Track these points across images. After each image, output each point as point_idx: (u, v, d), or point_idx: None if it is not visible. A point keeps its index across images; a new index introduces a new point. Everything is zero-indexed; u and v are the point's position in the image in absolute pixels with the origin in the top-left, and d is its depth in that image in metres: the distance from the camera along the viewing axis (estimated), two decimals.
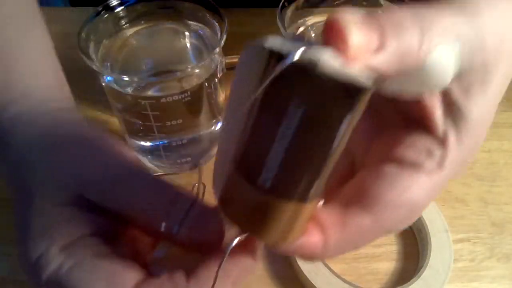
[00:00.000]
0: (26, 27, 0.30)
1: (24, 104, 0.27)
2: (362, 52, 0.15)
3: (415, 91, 0.18)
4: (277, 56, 0.15)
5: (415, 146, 0.20)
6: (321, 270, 0.32)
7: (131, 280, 0.21)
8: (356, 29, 0.15)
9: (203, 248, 0.22)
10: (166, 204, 0.22)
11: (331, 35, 0.15)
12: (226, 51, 0.35)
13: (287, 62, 0.14)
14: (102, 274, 0.21)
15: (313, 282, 0.32)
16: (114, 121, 0.43)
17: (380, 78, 0.16)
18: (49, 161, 0.24)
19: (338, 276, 0.32)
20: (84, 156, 0.24)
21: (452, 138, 0.20)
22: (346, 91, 0.15)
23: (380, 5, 0.40)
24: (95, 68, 0.32)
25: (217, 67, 0.35)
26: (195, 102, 0.34)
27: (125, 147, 0.26)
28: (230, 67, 0.36)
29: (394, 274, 0.35)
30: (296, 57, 0.14)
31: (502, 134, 0.45)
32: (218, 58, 0.35)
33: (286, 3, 0.38)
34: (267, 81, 0.15)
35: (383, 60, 0.16)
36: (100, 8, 0.35)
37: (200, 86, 0.34)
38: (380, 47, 0.16)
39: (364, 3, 0.42)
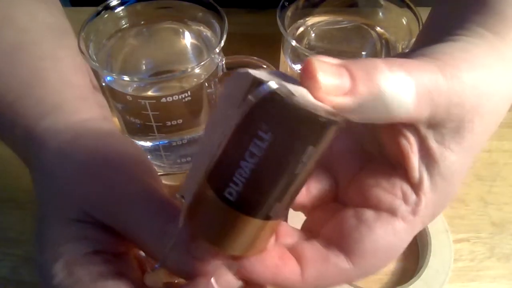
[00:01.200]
0: (58, 41, 0.31)
1: (56, 117, 0.27)
2: (332, 93, 0.17)
3: (377, 118, 0.19)
4: (258, 83, 0.17)
5: (392, 191, 0.21)
6: None
7: None
8: (328, 73, 0.17)
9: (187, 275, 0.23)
10: (163, 224, 0.23)
11: (306, 76, 0.17)
12: (226, 51, 0.35)
13: (265, 88, 0.16)
14: None
15: None
16: (114, 121, 0.43)
17: (345, 116, 0.18)
18: (65, 178, 0.25)
19: None
20: (94, 175, 0.25)
21: (426, 184, 0.21)
22: (312, 124, 0.16)
23: (380, 5, 0.40)
24: (95, 68, 0.32)
25: (217, 67, 0.35)
26: (195, 102, 0.34)
27: (142, 156, 0.27)
28: (230, 67, 0.36)
29: (394, 274, 0.35)
30: (274, 86, 0.16)
31: (502, 134, 0.45)
32: (218, 58, 0.35)
33: (286, 3, 0.38)
34: (247, 104, 0.17)
35: (351, 102, 0.18)
36: (100, 8, 0.35)
37: (200, 86, 0.34)
38: (351, 91, 0.18)
39: (364, 2, 0.42)
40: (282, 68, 0.41)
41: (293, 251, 0.21)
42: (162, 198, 0.24)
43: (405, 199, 0.21)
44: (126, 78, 0.32)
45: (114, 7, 0.36)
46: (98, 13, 0.35)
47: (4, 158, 0.40)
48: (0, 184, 0.41)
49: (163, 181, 0.40)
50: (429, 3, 0.28)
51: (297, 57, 0.39)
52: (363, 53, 0.40)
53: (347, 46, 0.41)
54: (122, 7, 0.36)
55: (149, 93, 0.34)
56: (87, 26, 0.34)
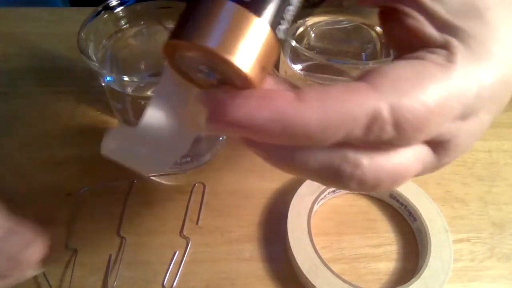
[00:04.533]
0: None
1: None
2: None
3: None
4: None
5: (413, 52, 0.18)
6: (321, 270, 0.32)
7: None
8: None
9: None
10: None
11: None
12: None
13: None
14: None
15: (313, 282, 0.32)
16: (114, 121, 0.43)
17: None
18: None
19: (338, 276, 0.32)
20: None
21: (455, 43, 0.17)
22: None
23: None
24: (95, 68, 0.32)
25: None
26: None
27: None
28: None
29: (394, 274, 0.35)
30: None
31: (502, 134, 0.45)
32: None
33: None
34: None
35: None
36: (100, 8, 0.35)
37: None
38: None
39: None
40: (282, 68, 0.41)
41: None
42: None
43: (430, 51, 0.18)
44: (126, 78, 0.32)
45: (114, 7, 0.36)
46: (98, 13, 0.35)
47: (3, 159, 0.40)
48: (0, 185, 0.41)
49: (163, 181, 0.40)
50: None
51: (297, 57, 0.39)
52: (363, 53, 0.40)
53: (347, 46, 0.41)
54: (122, 7, 0.36)
55: (149, 93, 0.34)
56: (86, 26, 0.34)
